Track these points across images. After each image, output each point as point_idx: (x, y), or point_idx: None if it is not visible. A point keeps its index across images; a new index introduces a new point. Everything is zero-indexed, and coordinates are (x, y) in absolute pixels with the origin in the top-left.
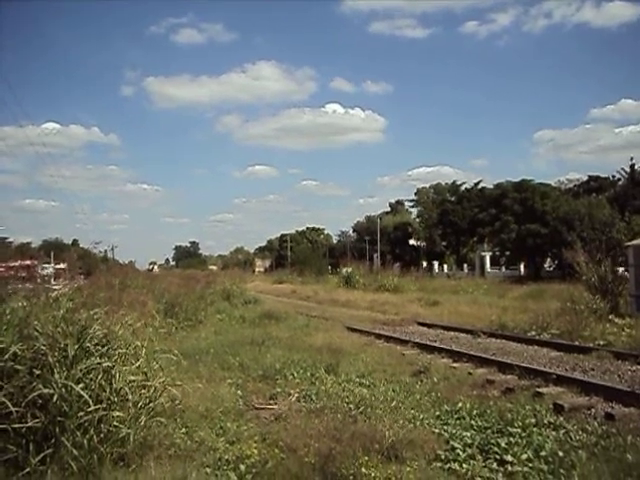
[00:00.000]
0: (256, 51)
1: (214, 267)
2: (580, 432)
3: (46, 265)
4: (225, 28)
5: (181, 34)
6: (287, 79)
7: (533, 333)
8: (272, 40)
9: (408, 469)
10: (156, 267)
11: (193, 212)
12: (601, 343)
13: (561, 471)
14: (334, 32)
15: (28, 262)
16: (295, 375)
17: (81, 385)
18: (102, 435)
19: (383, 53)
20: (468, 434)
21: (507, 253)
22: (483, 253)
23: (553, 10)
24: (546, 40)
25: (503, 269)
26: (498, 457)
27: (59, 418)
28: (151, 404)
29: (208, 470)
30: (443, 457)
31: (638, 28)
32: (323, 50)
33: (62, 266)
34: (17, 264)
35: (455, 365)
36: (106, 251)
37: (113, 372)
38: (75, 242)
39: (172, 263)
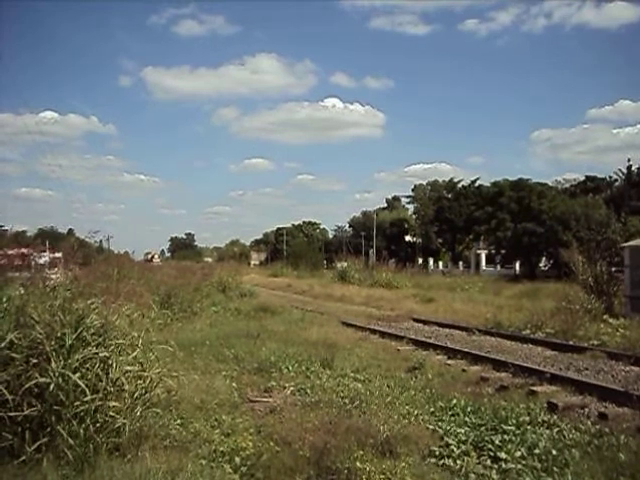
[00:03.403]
0: (256, 44)
1: (209, 259)
2: (574, 431)
3: (43, 254)
4: (226, 21)
5: (182, 25)
6: (287, 73)
7: (528, 332)
8: (273, 34)
9: (402, 464)
10: (156, 257)
11: (190, 204)
12: (595, 343)
13: (554, 469)
14: (335, 27)
15: (24, 250)
16: (290, 369)
17: (78, 374)
18: (98, 425)
19: (384, 49)
20: (462, 431)
21: (503, 251)
22: (479, 251)
23: (553, 10)
24: (546, 40)
25: (498, 267)
26: (492, 454)
27: (55, 407)
28: (147, 395)
29: (203, 461)
30: (437, 453)
31: (638, 29)
32: (324, 44)
33: (58, 255)
34: (14, 252)
35: (450, 362)
36: (101, 241)
37: (110, 362)
38: (71, 231)
39: (167, 254)
